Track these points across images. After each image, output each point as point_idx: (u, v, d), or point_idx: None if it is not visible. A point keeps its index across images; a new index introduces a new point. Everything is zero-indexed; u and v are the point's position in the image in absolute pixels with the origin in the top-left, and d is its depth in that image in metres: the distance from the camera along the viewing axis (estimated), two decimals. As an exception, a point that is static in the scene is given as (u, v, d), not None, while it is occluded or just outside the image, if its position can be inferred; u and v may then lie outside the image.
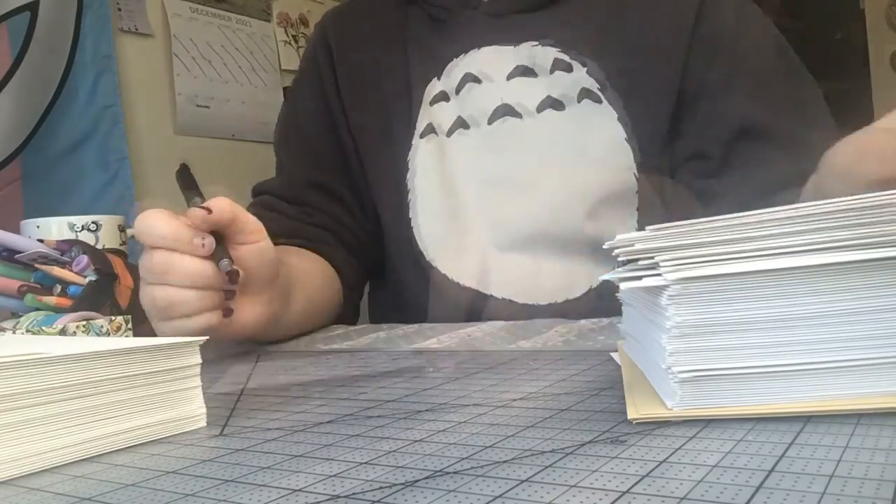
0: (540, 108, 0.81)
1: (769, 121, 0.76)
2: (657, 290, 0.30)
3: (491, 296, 0.81)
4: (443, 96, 0.85)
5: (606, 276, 0.35)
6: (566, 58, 0.81)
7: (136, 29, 1.72)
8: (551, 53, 0.81)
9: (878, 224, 0.28)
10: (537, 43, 0.82)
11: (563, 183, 0.79)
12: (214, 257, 0.56)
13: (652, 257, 0.30)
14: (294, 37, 2.23)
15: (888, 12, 2.82)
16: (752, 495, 0.22)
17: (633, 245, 0.30)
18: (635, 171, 0.79)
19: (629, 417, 0.30)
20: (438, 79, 0.86)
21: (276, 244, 0.82)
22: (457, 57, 0.85)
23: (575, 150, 0.79)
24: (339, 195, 0.91)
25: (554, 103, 0.80)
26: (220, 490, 0.26)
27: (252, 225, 0.61)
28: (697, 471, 0.24)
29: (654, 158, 0.79)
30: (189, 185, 0.65)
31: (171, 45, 1.79)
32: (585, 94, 0.79)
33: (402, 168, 0.87)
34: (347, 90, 0.92)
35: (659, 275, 0.29)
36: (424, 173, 0.85)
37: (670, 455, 0.26)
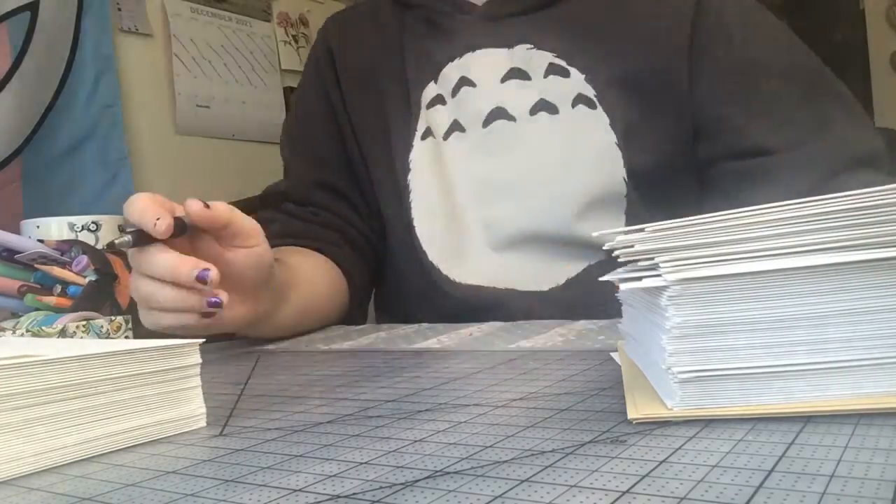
0: (533, 111, 0.81)
1: (785, 141, 0.74)
2: (657, 291, 0.30)
3: (492, 289, 0.81)
4: (439, 99, 0.86)
5: (607, 277, 0.35)
6: (563, 63, 0.81)
7: (136, 29, 1.72)
8: (546, 58, 0.81)
9: (878, 224, 0.28)
10: (532, 47, 0.82)
11: (553, 185, 0.79)
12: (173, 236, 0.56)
13: (652, 258, 0.30)
14: (294, 37, 2.23)
15: (888, 12, 2.82)
16: (752, 495, 0.22)
17: (632, 246, 0.30)
18: (625, 176, 0.79)
19: (629, 417, 0.30)
20: (435, 82, 0.87)
21: (283, 244, 0.83)
22: (451, 60, 0.86)
23: (566, 153, 0.79)
24: (345, 195, 0.92)
25: (547, 107, 0.80)
26: (220, 490, 0.26)
27: (249, 230, 0.61)
28: (697, 471, 0.24)
29: (648, 163, 0.79)
30: None
31: (171, 45, 1.79)
32: (581, 99, 0.79)
33: (403, 168, 0.87)
34: (349, 92, 0.93)
35: (659, 275, 0.29)
36: (423, 174, 0.86)
37: (670, 455, 0.26)
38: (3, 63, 1.46)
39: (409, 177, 0.87)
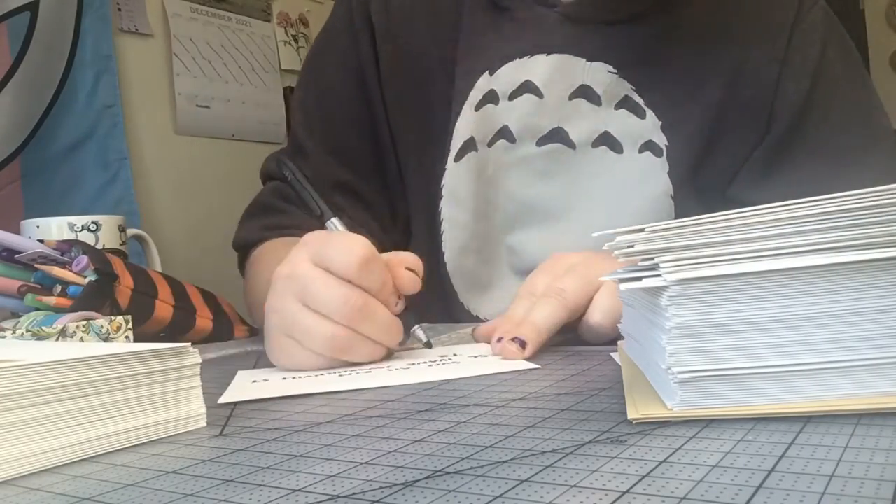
0: (595, 144, 0.73)
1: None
2: (657, 291, 0.30)
3: None
4: (492, 97, 0.75)
5: (606, 277, 0.35)
6: (640, 101, 0.73)
7: (136, 29, 1.72)
8: (624, 88, 0.73)
9: (878, 224, 0.28)
10: (615, 72, 0.72)
11: (595, 225, 0.75)
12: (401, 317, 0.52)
13: (652, 258, 0.30)
14: (294, 37, 2.23)
15: (888, 12, 2.82)
16: (752, 495, 0.22)
17: (632, 246, 0.30)
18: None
19: (629, 417, 0.30)
20: (490, 74, 0.75)
21: (298, 234, 0.75)
22: (519, 57, 0.74)
23: (620, 197, 0.73)
24: (368, 201, 0.81)
25: (611, 143, 0.73)
26: (220, 490, 0.26)
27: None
28: (697, 471, 0.24)
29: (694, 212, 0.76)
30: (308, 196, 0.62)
31: (171, 45, 1.79)
32: (649, 146, 0.72)
33: (436, 195, 0.78)
34: (389, 77, 0.79)
35: (659, 275, 0.29)
36: (458, 201, 0.76)
37: (670, 455, 0.26)
38: (4, 63, 1.46)
39: (441, 204, 0.77)
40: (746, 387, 0.29)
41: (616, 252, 0.32)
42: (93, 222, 0.86)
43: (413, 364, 0.49)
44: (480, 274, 0.77)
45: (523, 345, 0.48)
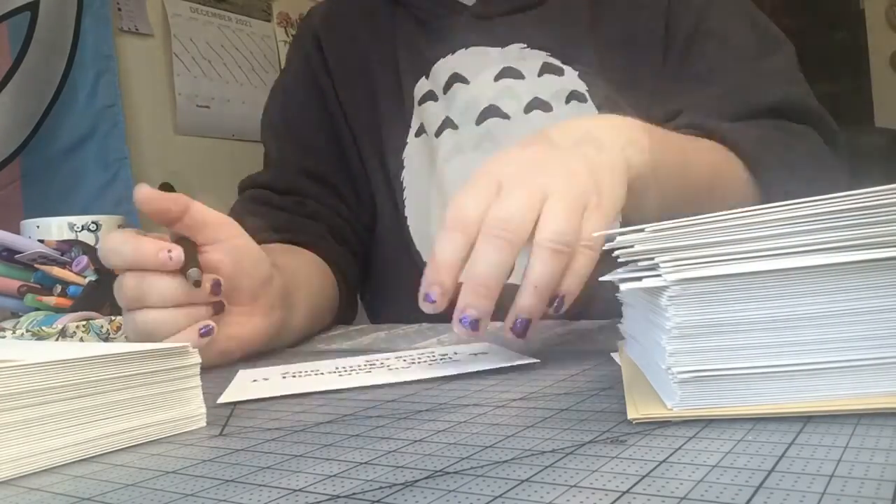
0: (527, 109, 0.81)
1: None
2: (657, 291, 0.30)
3: None
4: (430, 95, 0.85)
5: (607, 277, 0.35)
6: (556, 62, 0.81)
7: (137, 29, 1.72)
8: (540, 57, 0.82)
9: (878, 224, 0.28)
10: (526, 46, 0.82)
11: None
12: (184, 269, 0.52)
13: (652, 258, 0.30)
14: (295, 37, 2.23)
15: (888, 12, 2.82)
16: (752, 495, 0.22)
17: (632, 246, 0.30)
18: None
19: (629, 417, 0.30)
20: (426, 77, 0.86)
21: (268, 240, 0.79)
22: (444, 57, 0.85)
23: None
24: (333, 184, 0.89)
25: (541, 104, 0.80)
26: (220, 490, 0.26)
27: (215, 219, 0.56)
28: (697, 471, 0.24)
29: None
30: None
31: (171, 45, 1.79)
32: (574, 95, 0.80)
33: (397, 165, 0.86)
34: (340, 81, 0.91)
35: (659, 275, 0.29)
36: (417, 172, 0.85)
37: (670, 455, 0.26)
38: (4, 63, 1.46)
39: (403, 174, 0.86)
40: (746, 387, 0.29)
41: (616, 252, 0.32)
42: (93, 222, 0.86)
43: (413, 363, 0.49)
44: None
45: (474, 325, 0.42)
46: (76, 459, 0.32)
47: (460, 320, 0.43)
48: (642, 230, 0.30)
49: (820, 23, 2.87)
